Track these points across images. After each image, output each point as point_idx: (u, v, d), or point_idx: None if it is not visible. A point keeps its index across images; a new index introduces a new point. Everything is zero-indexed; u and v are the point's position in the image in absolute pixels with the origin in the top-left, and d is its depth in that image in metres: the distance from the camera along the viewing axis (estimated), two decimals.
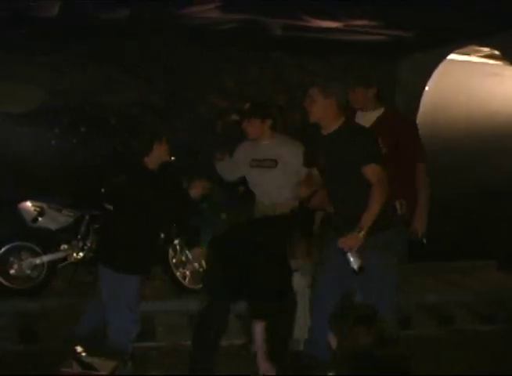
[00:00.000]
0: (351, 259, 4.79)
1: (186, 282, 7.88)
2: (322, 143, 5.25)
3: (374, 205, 4.88)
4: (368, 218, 4.84)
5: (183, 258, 7.87)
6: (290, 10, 7.43)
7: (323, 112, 5.12)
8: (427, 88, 10.11)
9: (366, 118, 5.68)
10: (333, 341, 3.79)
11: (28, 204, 7.75)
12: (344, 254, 4.83)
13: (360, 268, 4.80)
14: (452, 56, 9.96)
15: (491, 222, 9.90)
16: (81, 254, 7.66)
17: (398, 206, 5.46)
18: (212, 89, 9.57)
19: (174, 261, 7.84)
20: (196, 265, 7.85)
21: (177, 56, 9.41)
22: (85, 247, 7.71)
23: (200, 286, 7.78)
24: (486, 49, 9.96)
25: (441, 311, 7.84)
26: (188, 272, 7.91)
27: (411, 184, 5.66)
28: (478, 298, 8.41)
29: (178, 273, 7.83)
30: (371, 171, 4.96)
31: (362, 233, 4.81)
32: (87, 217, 7.77)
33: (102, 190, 7.52)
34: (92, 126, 8.89)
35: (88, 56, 9.12)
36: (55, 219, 7.67)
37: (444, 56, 9.79)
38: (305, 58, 9.99)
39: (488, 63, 10.71)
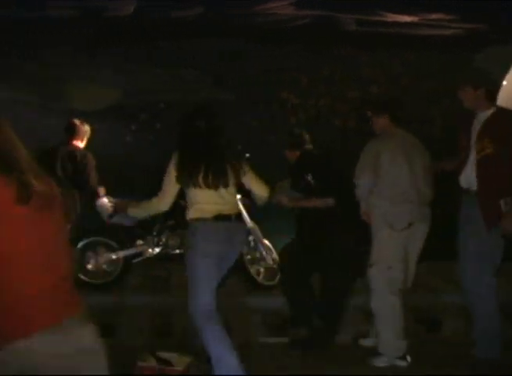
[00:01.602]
0: None
1: (260, 278, 7.84)
2: None
3: None
4: None
5: (257, 255, 7.83)
6: (364, 5, 7.37)
7: None
8: (504, 82, 9.87)
9: (478, 119, 5.57)
10: None
11: (105, 200, 7.88)
12: None
13: None
14: None
15: None
16: (156, 249, 7.73)
17: (502, 204, 5.36)
18: (286, 86, 9.55)
19: (248, 257, 7.80)
20: (270, 261, 7.80)
21: (249, 53, 9.42)
22: (160, 243, 7.78)
23: (274, 282, 7.76)
24: None
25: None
26: (262, 269, 7.86)
27: None
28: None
29: (251, 270, 7.80)
30: None
31: None
32: (162, 213, 7.82)
33: None
34: (167, 123, 9.00)
35: (163, 56, 9.21)
36: (130, 215, 7.76)
37: None
38: (379, 54, 9.88)
39: None
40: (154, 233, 7.80)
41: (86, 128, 8.09)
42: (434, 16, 7.88)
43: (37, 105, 9.34)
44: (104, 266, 7.79)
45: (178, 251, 7.76)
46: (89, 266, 7.78)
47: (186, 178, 5.04)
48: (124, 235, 7.79)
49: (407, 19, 7.86)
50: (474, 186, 5.45)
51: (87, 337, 2.60)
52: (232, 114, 9.38)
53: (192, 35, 8.85)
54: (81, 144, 8.06)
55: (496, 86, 5.82)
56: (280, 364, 5.75)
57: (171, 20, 7.79)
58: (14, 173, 2.51)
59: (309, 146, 6.58)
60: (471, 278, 5.54)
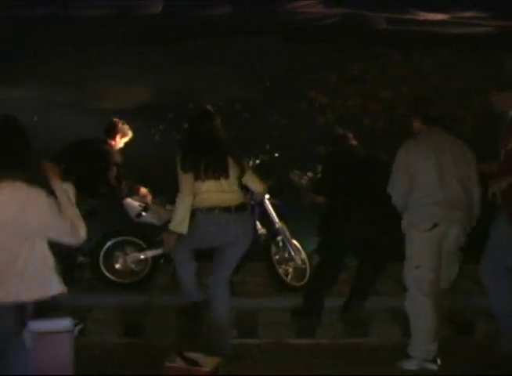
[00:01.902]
0: None
1: (289, 279, 7.77)
2: None
3: None
4: None
5: (286, 255, 7.77)
6: (395, 3, 7.31)
7: None
8: None
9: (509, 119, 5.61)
10: None
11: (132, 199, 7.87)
12: None
13: None
14: None
15: None
16: None
17: None
18: (314, 85, 9.50)
19: (276, 257, 7.74)
20: (299, 262, 7.73)
21: (278, 52, 9.39)
22: None
23: (302, 283, 7.69)
24: None
25: None
26: (290, 270, 7.79)
27: None
28: None
29: (280, 270, 7.73)
30: None
31: None
32: None
33: None
34: None
35: (191, 55, 9.20)
36: (158, 214, 7.74)
37: None
38: (410, 53, 9.80)
39: None
40: None
41: (120, 126, 8.01)
42: (466, 14, 7.79)
43: (68, 104, 9.38)
44: (132, 266, 7.79)
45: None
46: (117, 266, 7.79)
47: (189, 168, 5.47)
48: (153, 234, 7.76)
49: (438, 17, 7.78)
50: None
51: None
52: (260, 113, 9.36)
53: (222, 34, 8.83)
54: (114, 142, 7.99)
55: None
56: (308, 364, 5.71)
57: (199, 19, 7.78)
58: None
59: (353, 142, 7.06)
60: (488, 273, 5.59)
